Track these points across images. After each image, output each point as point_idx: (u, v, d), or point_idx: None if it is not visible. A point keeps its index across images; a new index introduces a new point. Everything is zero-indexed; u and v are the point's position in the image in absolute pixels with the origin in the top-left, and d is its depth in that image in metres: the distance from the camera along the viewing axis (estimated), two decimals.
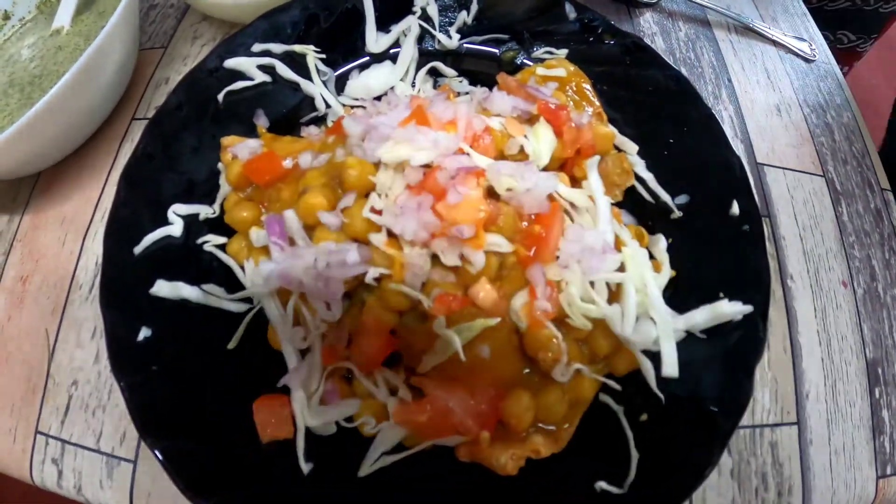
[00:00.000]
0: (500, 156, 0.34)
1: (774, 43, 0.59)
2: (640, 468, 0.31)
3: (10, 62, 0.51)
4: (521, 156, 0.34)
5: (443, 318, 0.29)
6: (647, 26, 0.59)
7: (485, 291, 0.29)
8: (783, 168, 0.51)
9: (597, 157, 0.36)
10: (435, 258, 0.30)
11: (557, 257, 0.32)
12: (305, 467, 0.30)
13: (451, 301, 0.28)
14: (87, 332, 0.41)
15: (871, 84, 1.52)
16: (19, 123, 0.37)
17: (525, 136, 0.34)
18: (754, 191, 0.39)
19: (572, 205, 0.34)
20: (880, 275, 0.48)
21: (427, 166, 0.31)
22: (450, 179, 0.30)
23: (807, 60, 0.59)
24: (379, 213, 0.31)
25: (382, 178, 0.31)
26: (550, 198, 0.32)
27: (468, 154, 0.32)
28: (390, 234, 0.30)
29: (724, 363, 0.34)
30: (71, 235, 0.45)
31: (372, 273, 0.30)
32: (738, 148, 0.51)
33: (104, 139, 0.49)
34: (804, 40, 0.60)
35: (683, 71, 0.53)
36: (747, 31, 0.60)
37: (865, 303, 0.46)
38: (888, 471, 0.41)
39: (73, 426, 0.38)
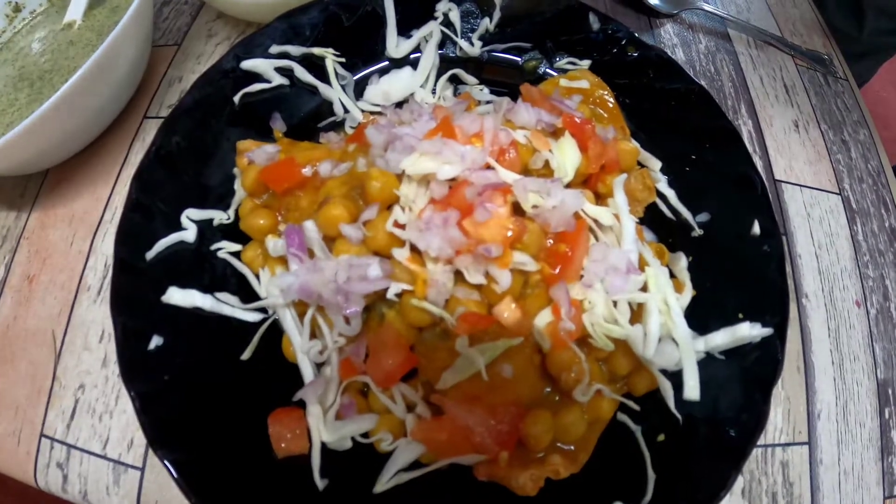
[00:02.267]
0: (525, 170, 0.34)
1: (793, 57, 0.59)
2: (656, 489, 0.31)
3: (21, 55, 0.50)
4: (546, 171, 0.34)
5: (465, 337, 0.29)
6: (668, 38, 0.59)
7: (509, 311, 0.29)
8: (800, 185, 0.51)
9: (623, 176, 0.35)
10: (458, 275, 0.30)
11: (581, 276, 0.31)
12: (321, 483, 0.30)
13: (476, 321, 0.28)
14: (94, 336, 0.40)
15: (881, 97, 1.53)
16: (29, 120, 0.37)
17: (550, 151, 0.34)
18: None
19: (597, 223, 0.33)
20: (893, 295, 0.48)
21: (453, 180, 0.31)
22: (477, 196, 0.29)
23: (825, 75, 0.59)
24: (402, 227, 0.30)
25: (406, 191, 0.30)
26: (576, 215, 0.32)
27: (494, 169, 0.31)
28: (413, 248, 0.30)
29: (742, 384, 0.34)
30: (80, 235, 0.45)
31: (394, 289, 0.29)
32: (757, 164, 0.50)
33: (115, 137, 0.48)
34: (823, 55, 0.60)
35: (703, 84, 0.53)
36: (767, 44, 0.59)
37: (878, 323, 0.46)
38: (895, 491, 0.41)
39: (80, 431, 0.38)
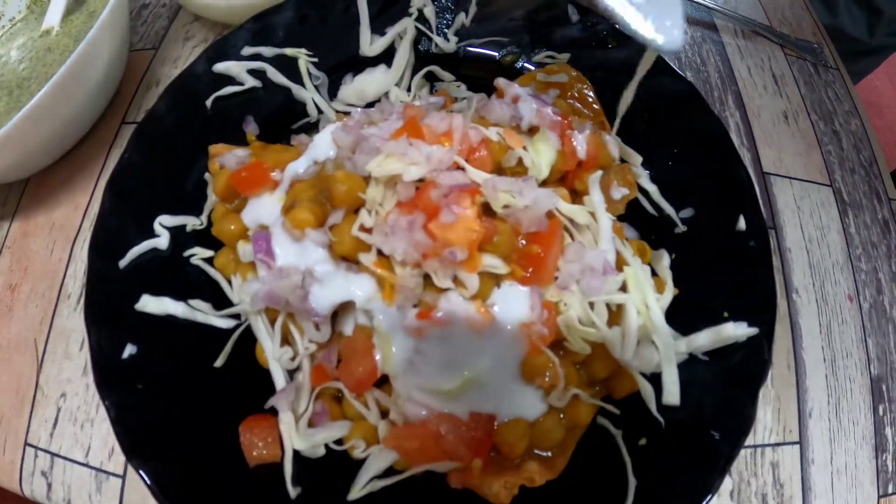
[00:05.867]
0: (498, 168, 0.33)
1: (782, 46, 0.58)
2: (637, 495, 0.30)
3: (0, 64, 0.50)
4: (520, 168, 0.33)
5: None
6: None
7: (479, 315, 0.28)
8: (790, 178, 0.50)
9: (599, 173, 0.34)
10: (427, 278, 0.29)
11: (556, 277, 0.31)
12: (293, 491, 0.30)
13: None
14: (75, 344, 0.40)
15: (873, 85, 1.50)
16: (6, 128, 0.37)
17: (524, 148, 0.33)
18: (760, 202, 0.38)
19: (572, 221, 0.32)
20: (886, 288, 0.47)
21: (420, 181, 0.30)
22: (443, 197, 0.28)
23: (815, 65, 0.57)
24: (369, 231, 0.29)
25: (373, 194, 0.30)
26: (550, 214, 0.31)
27: (463, 168, 0.30)
28: (380, 253, 0.29)
29: (727, 385, 0.33)
30: (59, 243, 0.45)
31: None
32: (745, 156, 0.49)
33: (94, 143, 0.48)
34: (812, 43, 0.58)
35: (689, 75, 0.52)
36: (754, 34, 0.58)
37: (871, 317, 0.45)
38: (890, 489, 0.40)
39: (62, 439, 0.38)
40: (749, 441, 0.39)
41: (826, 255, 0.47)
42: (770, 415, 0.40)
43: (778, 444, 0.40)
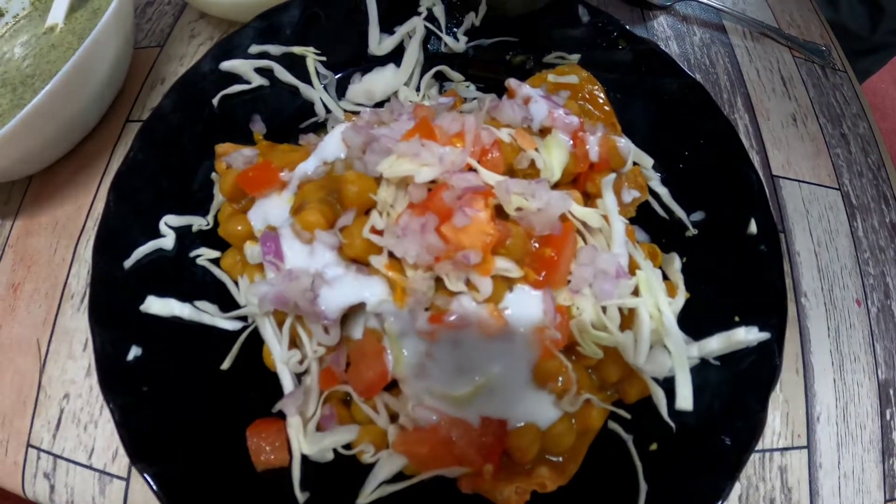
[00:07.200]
0: (510, 170, 0.33)
1: (790, 49, 0.58)
2: (648, 501, 0.30)
3: (3, 61, 0.50)
4: (532, 170, 0.33)
5: None
6: (661, 30, 0.57)
7: (492, 319, 0.28)
8: (799, 181, 0.50)
9: (612, 175, 0.34)
10: (439, 281, 0.29)
11: (569, 281, 0.30)
12: (301, 497, 0.29)
13: None
14: (78, 344, 0.40)
15: (878, 87, 1.51)
16: (9, 126, 0.36)
17: (536, 150, 0.33)
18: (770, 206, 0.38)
19: (585, 225, 0.32)
20: (894, 293, 0.47)
21: (432, 183, 0.30)
22: (456, 199, 0.28)
23: (823, 67, 0.57)
24: (380, 233, 0.29)
25: (384, 195, 0.29)
26: (563, 217, 0.31)
27: (476, 170, 0.30)
28: (391, 255, 0.29)
29: (737, 390, 0.33)
30: (63, 242, 0.44)
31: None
32: (754, 159, 0.49)
33: (98, 141, 0.48)
34: (821, 46, 0.58)
35: (698, 77, 0.51)
36: (763, 36, 0.58)
37: (879, 321, 0.45)
38: None
39: (65, 440, 0.37)
40: (758, 445, 0.39)
41: (834, 258, 0.47)
42: (779, 419, 0.40)
43: (786, 449, 0.39)
